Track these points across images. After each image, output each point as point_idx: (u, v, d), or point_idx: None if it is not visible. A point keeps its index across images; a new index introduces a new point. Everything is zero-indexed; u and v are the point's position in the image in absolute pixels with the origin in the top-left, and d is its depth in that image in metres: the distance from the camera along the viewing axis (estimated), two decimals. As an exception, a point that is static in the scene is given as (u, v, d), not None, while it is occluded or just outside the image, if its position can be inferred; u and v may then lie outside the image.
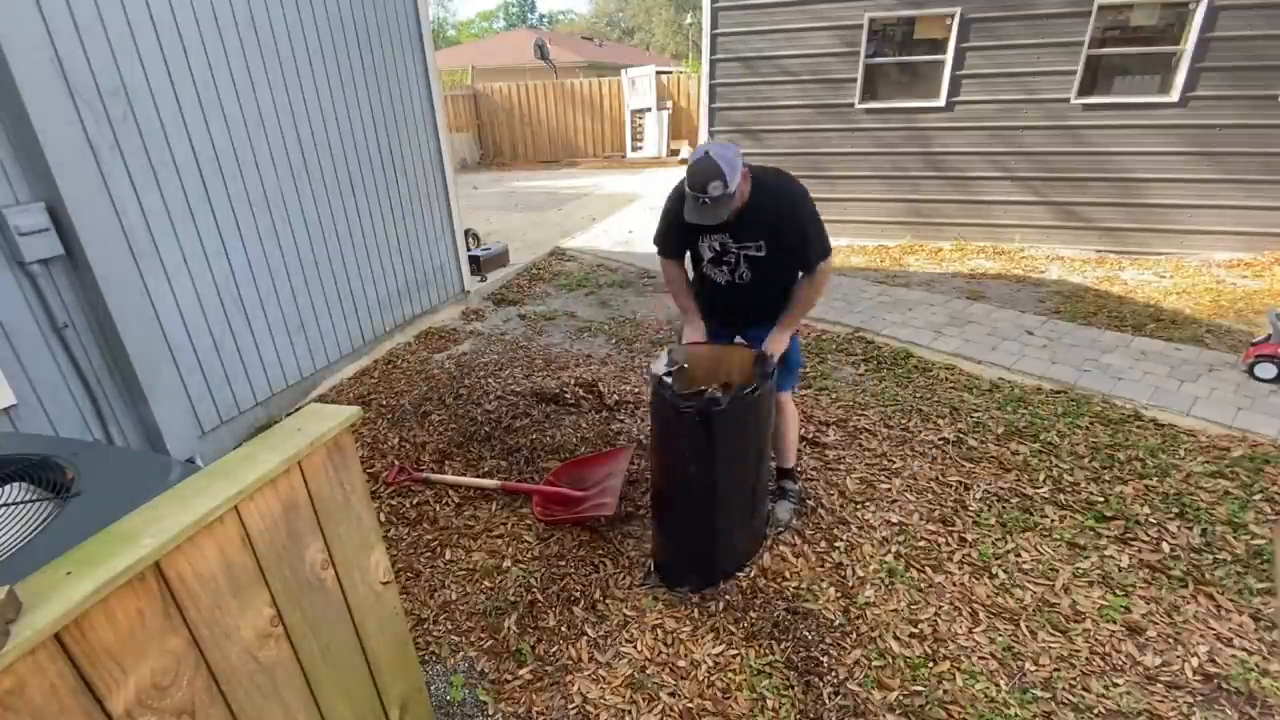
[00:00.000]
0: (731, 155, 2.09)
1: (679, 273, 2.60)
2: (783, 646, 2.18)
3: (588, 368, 4.25)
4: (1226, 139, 6.14)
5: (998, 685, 2.00)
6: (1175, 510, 2.69)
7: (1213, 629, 2.16)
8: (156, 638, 0.96)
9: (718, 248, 2.38)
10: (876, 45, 7.02)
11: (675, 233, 2.43)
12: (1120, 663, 2.07)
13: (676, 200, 2.32)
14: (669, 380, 2.26)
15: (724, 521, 2.37)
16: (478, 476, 3.10)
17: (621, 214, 9.64)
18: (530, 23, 48.76)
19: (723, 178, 2.06)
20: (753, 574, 2.48)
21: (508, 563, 2.63)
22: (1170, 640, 2.13)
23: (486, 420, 3.60)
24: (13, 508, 1.27)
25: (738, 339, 2.65)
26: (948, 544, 2.59)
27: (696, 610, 2.34)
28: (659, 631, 2.26)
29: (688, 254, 2.56)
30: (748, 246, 2.32)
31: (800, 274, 2.42)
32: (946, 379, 3.96)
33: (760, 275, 2.40)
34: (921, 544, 2.59)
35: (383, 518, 2.93)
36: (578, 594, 2.45)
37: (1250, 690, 1.95)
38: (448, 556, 2.70)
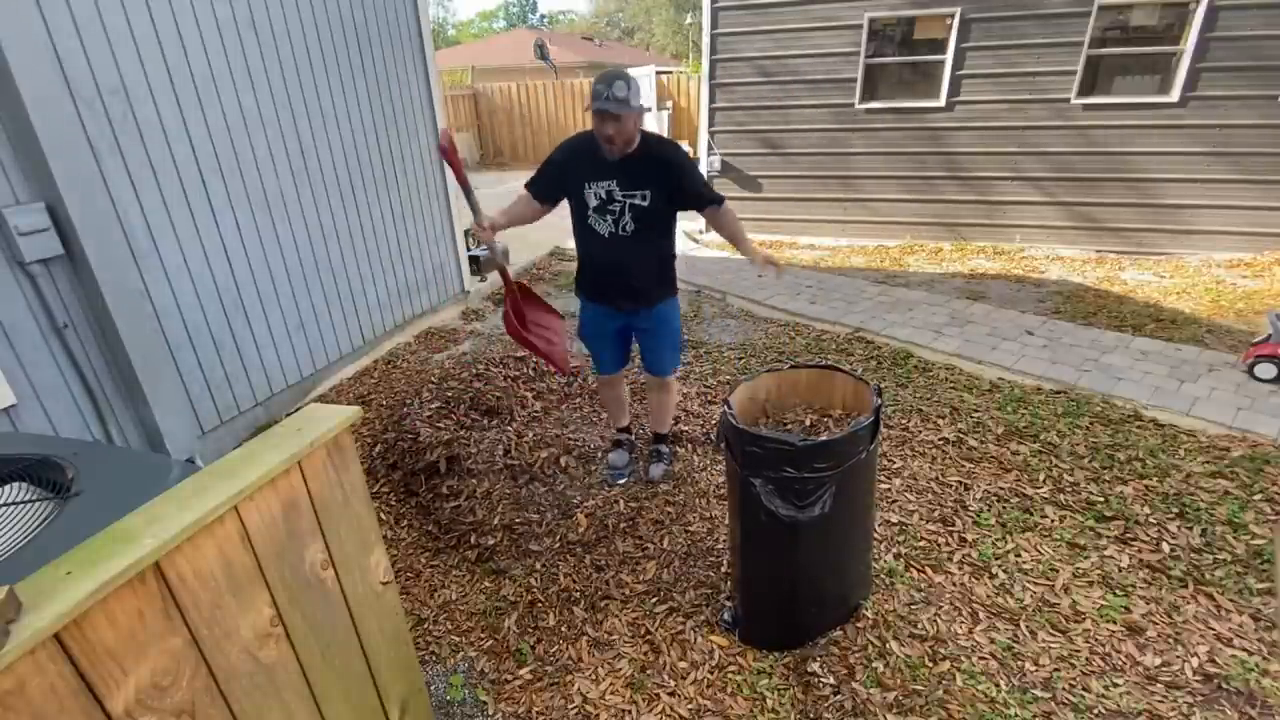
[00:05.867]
0: (641, 86, 2.35)
1: (528, 207, 2.64)
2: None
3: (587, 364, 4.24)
4: (1227, 139, 6.14)
5: (998, 685, 2.00)
6: (1175, 510, 2.69)
7: (1213, 629, 2.16)
8: (156, 638, 0.96)
9: (604, 195, 2.50)
10: (877, 45, 7.02)
11: (554, 170, 2.59)
12: (1120, 663, 2.07)
13: (564, 146, 2.61)
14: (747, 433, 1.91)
15: (813, 598, 2.16)
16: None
17: (621, 214, 9.62)
18: (530, 23, 48.76)
19: (628, 84, 2.30)
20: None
21: (507, 561, 2.63)
22: (1170, 640, 2.13)
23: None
24: (13, 508, 1.27)
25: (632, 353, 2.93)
26: (948, 544, 2.59)
27: (696, 612, 2.34)
28: (661, 632, 2.26)
29: (565, 211, 2.70)
30: (634, 195, 2.47)
31: (704, 216, 2.60)
32: (946, 379, 3.96)
33: (642, 227, 2.53)
34: (921, 544, 2.59)
35: (383, 518, 2.93)
36: (578, 594, 2.45)
37: (1250, 690, 1.95)
38: (448, 557, 2.71)
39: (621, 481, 3.05)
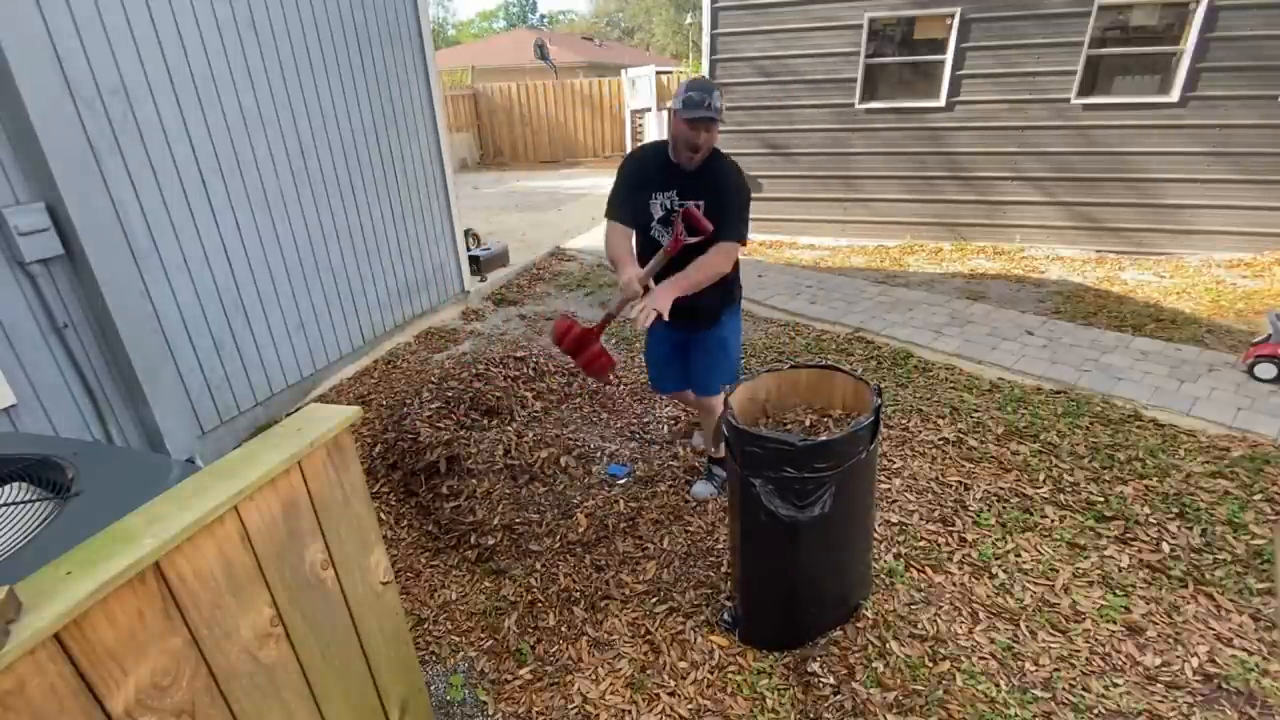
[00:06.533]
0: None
1: (623, 235, 2.53)
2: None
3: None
4: (1227, 139, 6.14)
5: (998, 685, 2.00)
6: (1175, 510, 2.69)
7: (1213, 629, 2.16)
8: (156, 638, 0.96)
9: (667, 205, 2.44)
10: (877, 45, 7.02)
11: (627, 191, 2.49)
12: (1120, 663, 2.06)
13: (632, 160, 2.53)
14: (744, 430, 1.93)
15: (813, 598, 2.15)
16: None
17: (621, 214, 9.61)
18: (530, 23, 48.75)
19: (719, 95, 2.26)
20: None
21: (507, 561, 2.63)
22: (1170, 640, 2.13)
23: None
24: (13, 508, 1.27)
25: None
26: (948, 544, 2.59)
27: (696, 612, 2.34)
28: (661, 632, 2.26)
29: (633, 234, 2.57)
30: (689, 204, 2.37)
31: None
32: (946, 379, 3.96)
33: (702, 238, 2.39)
34: (921, 544, 2.59)
35: (383, 518, 2.93)
36: (578, 594, 2.45)
37: (1250, 690, 1.95)
38: (448, 557, 2.70)
39: (621, 481, 3.04)
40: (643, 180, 2.45)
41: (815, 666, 2.08)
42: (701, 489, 2.94)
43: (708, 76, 7.59)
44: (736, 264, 2.58)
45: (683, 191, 2.39)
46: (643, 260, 2.48)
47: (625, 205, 2.51)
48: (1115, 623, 2.20)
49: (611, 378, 2.84)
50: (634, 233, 2.54)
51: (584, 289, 6.06)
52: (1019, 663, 2.08)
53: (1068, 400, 3.62)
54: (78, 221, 2.62)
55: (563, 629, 2.31)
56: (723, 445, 2.59)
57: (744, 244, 2.42)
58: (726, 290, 2.59)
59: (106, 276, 2.76)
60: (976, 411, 3.51)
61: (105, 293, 2.76)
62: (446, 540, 2.78)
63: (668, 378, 2.88)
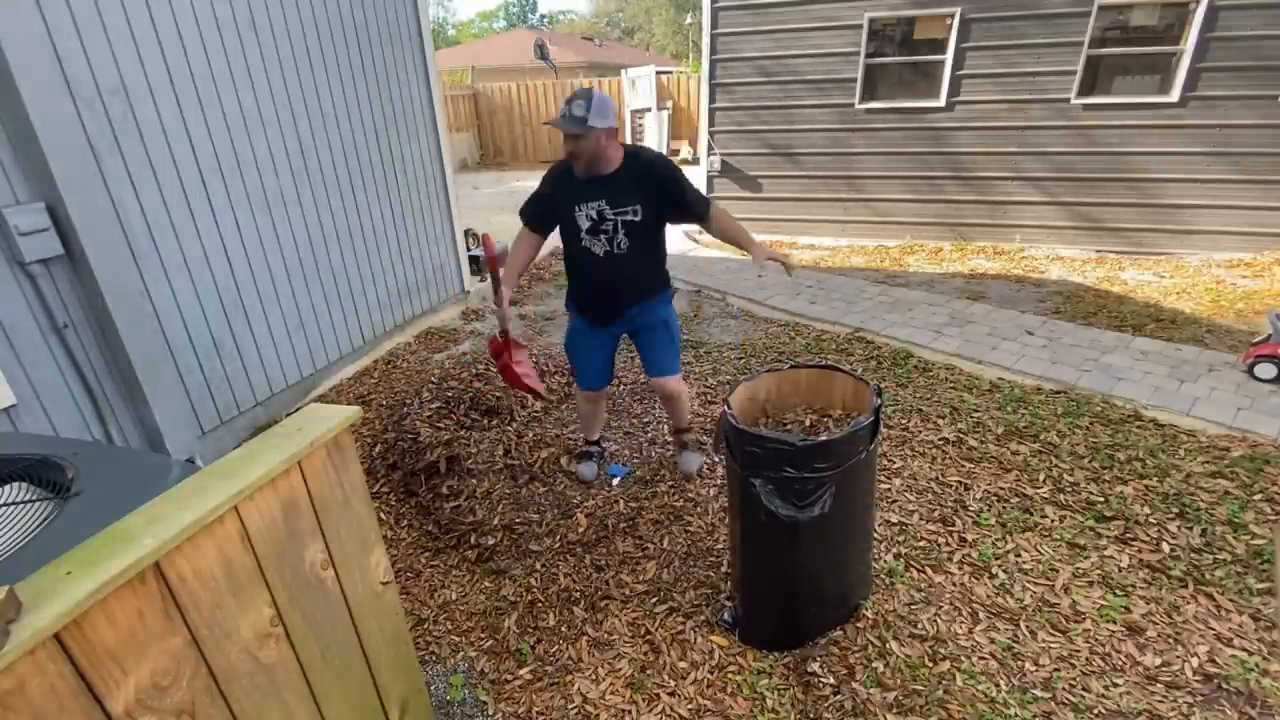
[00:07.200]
0: (607, 104, 2.35)
1: (529, 245, 2.71)
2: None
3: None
4: (1227, 139, 6.14)
5: (998, 685, 2.00)
6: (1175, 510, 2.69)
7: (1213, 629, 2.16)
8: (156, 638, 0.96)
9: (595, 216, 2.49)
10: (877, 45, 7.02)
11: (546, 200, 2.61)
12: (1120, 663, 2.06)
13: (551, 172, 2.62)
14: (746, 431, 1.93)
15: (813, 598, 2.16)
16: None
17: (621, 214, 9.61)
18: (530, 23, 48.76)
19: (588, 104, 2.31)
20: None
21: (507, 561, 2.63)
22: (1170, 640, 2.13)
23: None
24: (13, 508, 1.27)
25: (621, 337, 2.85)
26: (948, 544, 2.59)
27: (696, 612, 2.34)
28: (661, 632, 2.26)
29: (557, 235, 2.67)
30: (624, 211, 2.45)
31: (699, 226, 2.61)
32: (946, 379, 3.96)
33: (637, 242, 2.51)
34: (921, 544, 2.59)
35: (383, 518, 2.93)
36: (578, 594, 2.45)
37: (1250, 690, 1.95)
38: (448, 557, 2.71)
39: (616, 481, 3.05)
40: (566, 192, 2.53)
41: (815, 666, 2.08)
42: (692, 462, 3.07)
43: (710, 76, 7.60)
44: (665, 254, 2.73)
45: (612, 200, 2.45)
46: (576, 267, 2.66)
47: (539, 212, 2.65)
48: (1115, 623, 2.20)
49: (537, 395, 3.17)
50: (540, 239, 2.71)
51: (584, 289, 6.05)
52: (1019, 663, 2.08)
53: (1068, 400, 3.62)
54: (78, 221, 2.62)
55: (563, 629, 2.31)
56: (689, 416, 2.84)
57: (711, 203, 2.58)
58: (660, 275, 2.73)
59: (106, 276, 2.76)
60: (976, 411, 3.51)
61: (105, 293, 2.76)
62: (446, 540, 2.78)
63: (603, 375, 2.94)
